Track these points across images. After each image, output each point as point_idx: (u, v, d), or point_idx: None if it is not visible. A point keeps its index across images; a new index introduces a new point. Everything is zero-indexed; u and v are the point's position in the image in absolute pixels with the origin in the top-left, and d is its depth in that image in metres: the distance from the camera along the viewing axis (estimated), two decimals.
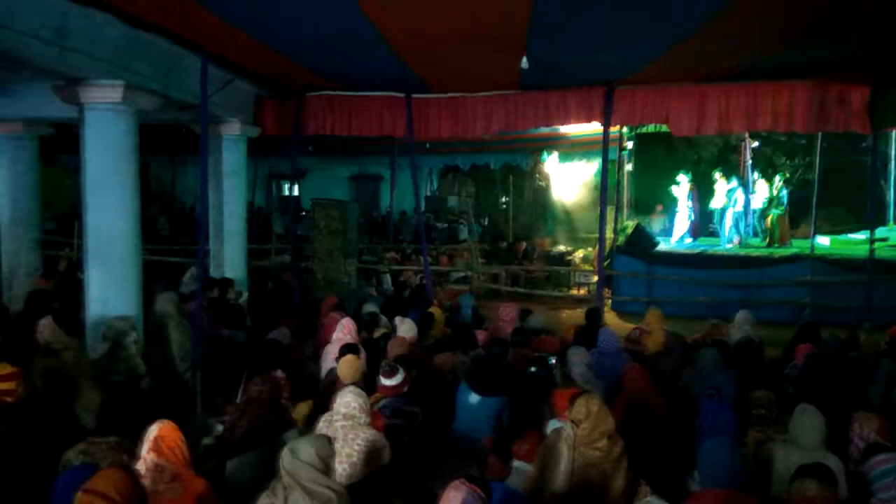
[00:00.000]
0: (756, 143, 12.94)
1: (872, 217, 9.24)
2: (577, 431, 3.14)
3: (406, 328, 5.87)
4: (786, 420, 3.57)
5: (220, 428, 4.05)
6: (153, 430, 2.92)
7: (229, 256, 8.41)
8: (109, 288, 5.74)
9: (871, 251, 8.68)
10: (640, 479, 3.13)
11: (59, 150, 7.35)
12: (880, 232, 11.34)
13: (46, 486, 3.00)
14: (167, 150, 11.47)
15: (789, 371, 5.27)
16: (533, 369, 4.68)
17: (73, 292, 6.32)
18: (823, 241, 11.56)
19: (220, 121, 8.09)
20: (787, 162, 14.70)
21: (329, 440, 2.93)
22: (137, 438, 2.97)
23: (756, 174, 12.40)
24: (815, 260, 9.87)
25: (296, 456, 2.73)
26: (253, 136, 8.76)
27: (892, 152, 12.94)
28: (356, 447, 3.44)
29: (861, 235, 11.56)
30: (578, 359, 4.87)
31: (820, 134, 9.90)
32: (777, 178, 11.79)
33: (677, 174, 12.44)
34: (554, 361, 5.15)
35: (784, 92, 7.97)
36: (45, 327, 5.26)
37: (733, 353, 5.29)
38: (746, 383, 4.34)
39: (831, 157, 10.48)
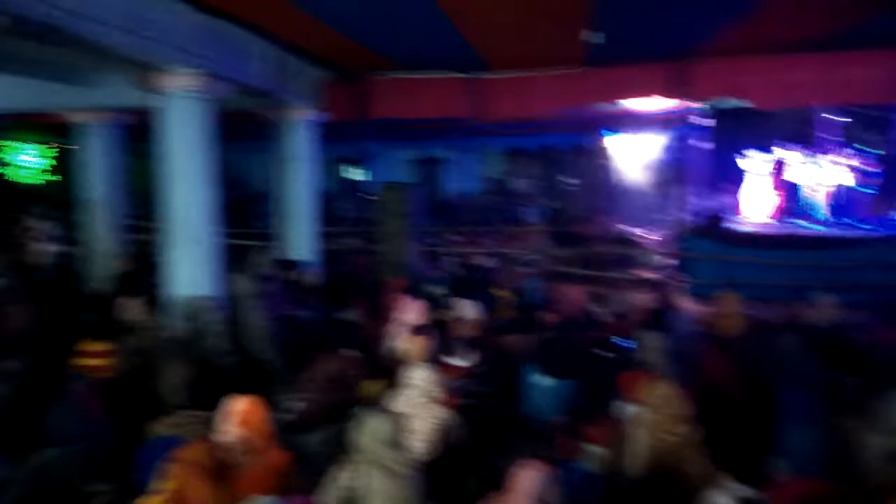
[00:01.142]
0: (840, 117, 12.21)
1: None
2: (655, 416, 3.07)
3: (472, 310, 5.87)
4: (875, 406, 3.39)
5: (295, 405, 4.16)
6: (239, 405, 2.98)
7: (300, 239, 8.61)
8: (190, 269, 5.99)
9: None
10: (719, 465, 3.04)
11: (143, 138, 7.68)
12: None
13: (131, 455, 3.17)
14: (242, 136, 11.82)
15: (878, 356, 4.99)
16: (604, 352, 4.60)
17: (158, 274, 6.60)
18: None
19: (291, 106, 8.25)
20: (874, 137, 13.85)
21: (401, 417, 2.97)
22: (220, 413, 3.07)
23: (842, 150, 11.73)
24: None
25: (368, 432, 2.79)
26: (322, 121, 8.90)
27: None
28: (430, 424, 3.48)
29: None
30: (654, 343, 4.72)
31: None
32: (862, 153, 11.13)
33: (756, 151, 11.92)
34: (627, 345, 5.03)
35: (868, 62, 7.47)
36: (134, 307, 5.53)
37: (817, 338, 5.05)
38: (832, 369, 4.14)
39: None
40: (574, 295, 6.81)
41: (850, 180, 10.82)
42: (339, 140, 10.62)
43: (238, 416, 2.94)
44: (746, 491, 2.39)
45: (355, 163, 16.81)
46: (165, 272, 6.12)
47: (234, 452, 2.85)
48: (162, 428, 3.40)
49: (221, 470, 2.58)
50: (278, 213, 8.59)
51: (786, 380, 4.07)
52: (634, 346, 5.04)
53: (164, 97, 5.94)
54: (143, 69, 5.88)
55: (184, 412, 3.47)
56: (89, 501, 3.57)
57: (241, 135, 11.71)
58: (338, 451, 3.06)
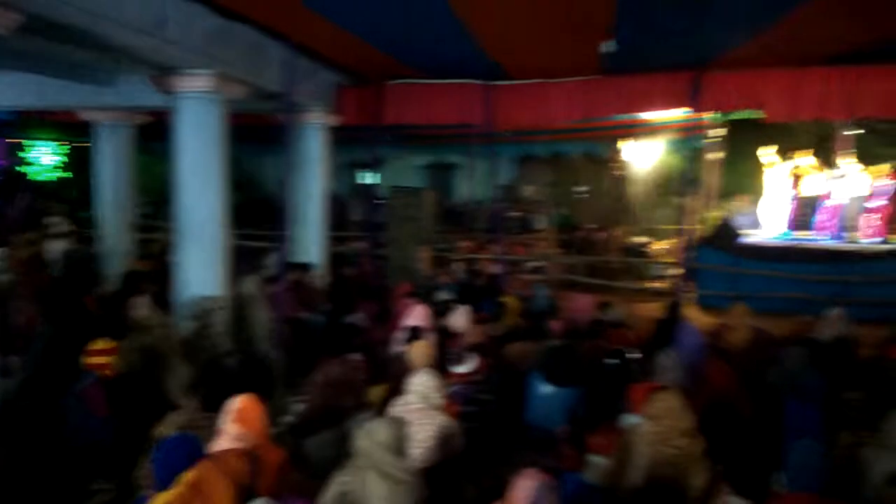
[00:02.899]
0: (857, 131, 12.12)
1: None
2: (657, 428, 3.06)
3: (476, 317, 5.86)
4: (880, 422, 3.36)
5: (298, 407, 4.18)
6: (236, 402, 3.05)
7: (310, 242, 8.65)
8: (199, 269, 6.03)
9: None
10: (722, 478, 3.02)
11: (154, 138, 7.77)
12: None
13: (137, 454, 3.19)
14: (252, 138, 11.89)
15: (885, 372, 4.94)
16: (610, 361, 4.58)
17: (167, 273, 6.66)
18: None
19: (303, 109, 8.30)
20: (889, 151, 13.72)
21: (403, 423, 2.97)
22: (221, 411, 3.10)
23: (856, 164, 11.64)
24: None
25: (371, 437, 2.79)
26: (334, 125, 8.93)
27: None
28: (430, 432, 3.48)
29: None
30: (668, 363, 4.47)
31: None
32: (879, 168, 11.01)
33: (770, 162, 11.83)
34: (633, 356, 5.00)
35: (886, 76, 7.42)
36: (140, 305, 5.58)
37: (824, 352, 5.01)
38: (838, 383, 4.11)
39: None
40: (581, 303, 6.78)
41: (863, 193, 10.71)
42: (351, 144, 10.67)
43: (235, 414, 2.99)
44: None
45: (368, 167, 16.86)
46: (175, 271, 6.16)
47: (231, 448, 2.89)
48: (167, 427, 3.42)
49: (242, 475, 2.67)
50: (289, 216, 8.64)
51: (790, 394, 4.04)
52: (641, 357, 5.02)
53: (179, 98, 6.00)
54: (158, 70, 5.94)
55: (189, 412, 3.50)
56: (92, 498, 3.60)
57: (254, 137, 11.81)
58: (338, 455, 3.07)
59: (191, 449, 2.83)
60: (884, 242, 10.22)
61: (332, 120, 8.84)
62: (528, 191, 18.24)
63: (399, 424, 2.91)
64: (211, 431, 3.06)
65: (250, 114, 8.21)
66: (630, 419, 3.52)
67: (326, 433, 3.72)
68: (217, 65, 5.94)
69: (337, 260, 9.54)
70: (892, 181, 10.62)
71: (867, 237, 10.48)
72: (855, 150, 11.64)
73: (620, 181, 16.67)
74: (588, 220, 16.24)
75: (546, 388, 4.38)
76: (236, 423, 3.00)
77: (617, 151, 16.00)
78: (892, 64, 7.35)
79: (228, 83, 6.14)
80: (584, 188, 17.49)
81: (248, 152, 16.87)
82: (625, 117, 10.40)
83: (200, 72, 5.86)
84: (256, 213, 11.51)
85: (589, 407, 4.29)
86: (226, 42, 6.07)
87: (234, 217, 6.62)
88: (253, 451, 2.93)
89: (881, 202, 10.57)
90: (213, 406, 3.25)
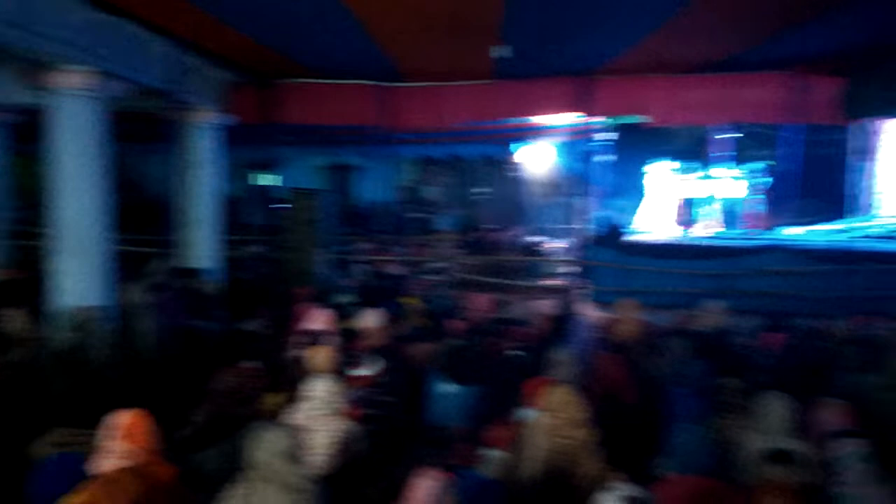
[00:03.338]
0: (730, 134, 13.07)
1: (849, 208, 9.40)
2: (552, 421, 3.17)
3: (379, 318, 5.84)
4: (753, 407, 3.62)
5: (191, 419, 4.00)
6: (123, 418, 2.90)
7: (202, 246, 8.31)
8: (78, 278, 5.66)
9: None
10: (611, 465, 3.17)
11: (31, 139, 7.24)
12: (850, 222, 11.61)
13: (14, 475, 2.96)
14: (139, 138, 11.28)
15: (758, 359, 5.35)
16: (509, 358, 4.69)
17: (43, 283, 6.20)
18: (797, 231, 11.77)
19: (193, 108, 7.97)
20: (760, 153, 14.88)
21: (298, 430, 2.91)
22: (104, 427, 2.93)
23: (730, 165, 12.54)
24: (787, 250, 10.03)
25: (264, 447, 2.72)
26: (227, 124, 8.64)
27: (866, 144, 13.14)
28: (330, 438, 3.43)
29: (833, 226, 11.81)
30: (563, 358, 4.58)
31: (791, 126, 10.04)
32: (750, 168, 11.93)
33: (654, 164, 12.53)
34: (532, 351, 5.14)
35: (760, 83, 8.07)
36: (15, 318, 5.15)
37: (703, 342, 5.36)
38: (716, 371, 4.40)
39: (806, 148, 10.62)
40: (482, 303, 6.92)
41: (740, 194, 11.55)
42: (247, 144, 10.36)
43: (121, 431, 2.83)
44: (635, 490, 2.50)
45: (264, 168, 16.41)
46: (52, 281, 5.74)
47: (120, 466, 2.74)
48: (45, 447, 3.18)
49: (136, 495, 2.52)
50: (179, 220, 8.26)
51: (674, 383, 4.29)
52: (539, 353, 5.17)
53: (54, 95, 5.60)
54: (31, 65, 5.53)
55: (69, 429, 3.27)
56: None
57: (141, 136, 11.22)
58: (233, 467, 2.97)
59: (72, 469, 2.66)
60: (760, 237, 11.05)
61: (225, 119, 8.55)
62: (429, 192, 18.38)
63: (296, 432, 2.85)
64: (92, 449, 2.88)
65: (138, 112, 7.81)
66: (526, 413, 3.62)
67: (220, 445, 3.59)
68: (95, 60, 5.60)
69: (232, 265, 9.22)
70: (763, 181, 11.51)
71: (744, 233, 11.30)
72: (732, 153, 12.55)
73: (517, 183, 17.13)
74: (487, 220, 16.57)
75: (447, 387, 4.43)
76: (123, 439, 2.84)
77: (513, 154, 16.44)
78: (763, 71, 7.99)
79: (109, 80, 5.80)
80: (483, 190, 17.82)
81: (135, 152, 16.00)
82: (518, 120, 10.70)
83: (77, 68, 5.51)
84: (144, 217, 10.92)
85: (488, 404, 4.39)
86: (105, 37, 5.74)
87: (119, 221, 6.26)
88: (142, 468, 2.79)
89: (756, 200, 11.43)
90: (94, 422, 3.06)
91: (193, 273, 7.20)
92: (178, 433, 3.86)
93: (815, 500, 2.78)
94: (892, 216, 11.79)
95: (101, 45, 5.69)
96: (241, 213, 14.28)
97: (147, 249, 9.62)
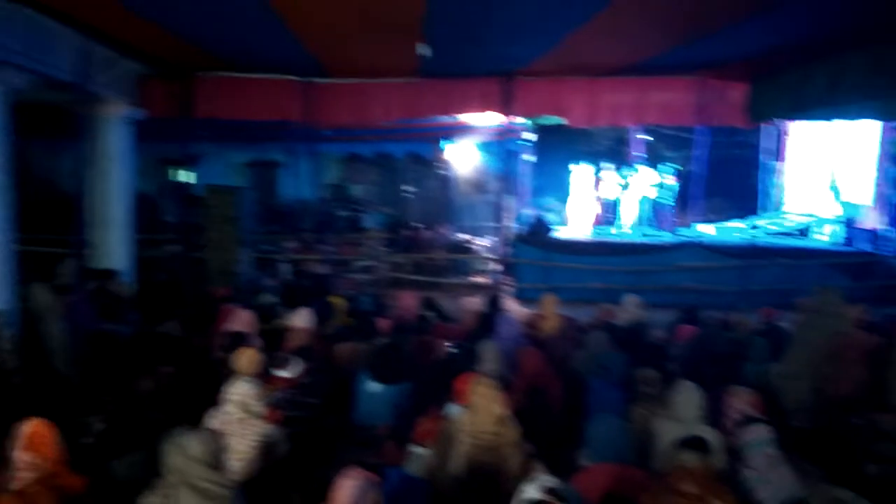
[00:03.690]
0: (646, 136, 13.57)
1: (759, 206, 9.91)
2: (475, 416, 3.19)
3: (304, 318, 5.74)
4: (668, 396, 3.77)
5: (101, 426, 3.81)
6: (26, 428, 2.77)
7: (113, 246, 7.94)
8: None
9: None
10: (534, 458, 3.22)
11: None
12: (759, 219, 12.30)
13: None
14: (46, 132, 10.66)
15: (672, 350, 5.58)
16: (436, 356, 4.70)
17: None
18: (708, 229, 12.35)
19: (103, 101, 7.59)
20: (674, 154, 15.53)
21: (218, 435, 2.83)
22: (7, 437, 2.77)
23: (646, 166, 13.01)
24: (698, 247, 10.51)
25: (183, 452, 2.62)
26: (139, 118, 8.27)
27: (772, 146, 13.92)
28: (250, 442, 3.35)
29: (741, 223, 12.47)
30: (489, 353, 4.64)
31: (704, 127, 10.51)
32: (664, 169, 12.41)
33: (576, 165, 12.85)
34: (458, 348, 5.17)
35: (669, 87, 8.42)
36: None
37: (621, 335, 5.55)
38: (633, 363, 4.55)
39: (715, 149, 11.15)
40: (408, 301, 6.90)
41: (654, 193, 12.00)
42: (163, 139, 9.95)
43: (24, 440, 2.70)
44: (555, 481, 2.55)
45: (183, 164, 15.80)
46: None
47: (23, 479, 2.59)
48: None
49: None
50: (90, 218, 7.85)
51: (594, 375, 4.42)
52: (466, 350, 5.20)
53: None
54: None
55: None
56: None
57: (48, 131, 10.59)
58: (149, 474, 2.85)
59: None
60: (673, 235, 11.52)
61: (137, 113, 8.18)
62: (357, 190, 18.21)
63: (214, 437, 2.76)
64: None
65: (44, 104, 7.38)
66: (453, 409, 3.64)
67: (136, 453, 3.44)
68: None
69: (147, 265, 8.85)
70: (677, 182, 11.99)
71: (658, 231, 11.75)
72: (645, 154, 13.03)
73: (444, 181, 17.22)
74: (414, 218, 16.57)
75: (374, 387, 4.39)
76: (27, 450, 2.70)
77: (440, 152, 16.51)
78: (674, 76, 8.34)
79: (9, 70, 5.44)
80: (410, 188, 17.81)
81: (42, 147, 15.10)
82: (445, 119, 10.76)
83: None
84: (51, 216, 10.32)
85: (415, 402, 4.38)
86: (4, 25, 5.38)
87: (24, 220, 5.90)
88: (49, 480, 2.64)
89: (669, 199, 11.90)
90: None
91: (105, 274, 6.85)
92: (82, 441, 3.68)
93: (726, 484, 2.91)
94: (799, 213, 12.57)
95: (1, 34, 5.33)
96: (156, 210, 13.71)
97: (55, 249, 9.11)
